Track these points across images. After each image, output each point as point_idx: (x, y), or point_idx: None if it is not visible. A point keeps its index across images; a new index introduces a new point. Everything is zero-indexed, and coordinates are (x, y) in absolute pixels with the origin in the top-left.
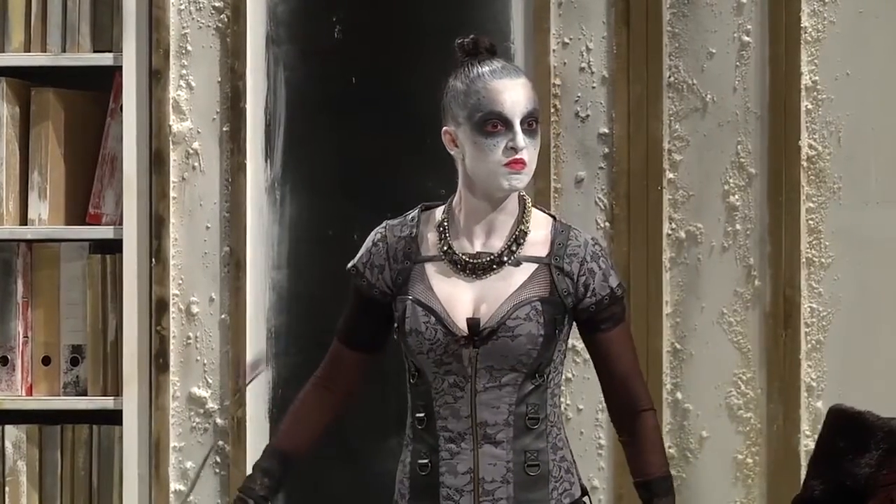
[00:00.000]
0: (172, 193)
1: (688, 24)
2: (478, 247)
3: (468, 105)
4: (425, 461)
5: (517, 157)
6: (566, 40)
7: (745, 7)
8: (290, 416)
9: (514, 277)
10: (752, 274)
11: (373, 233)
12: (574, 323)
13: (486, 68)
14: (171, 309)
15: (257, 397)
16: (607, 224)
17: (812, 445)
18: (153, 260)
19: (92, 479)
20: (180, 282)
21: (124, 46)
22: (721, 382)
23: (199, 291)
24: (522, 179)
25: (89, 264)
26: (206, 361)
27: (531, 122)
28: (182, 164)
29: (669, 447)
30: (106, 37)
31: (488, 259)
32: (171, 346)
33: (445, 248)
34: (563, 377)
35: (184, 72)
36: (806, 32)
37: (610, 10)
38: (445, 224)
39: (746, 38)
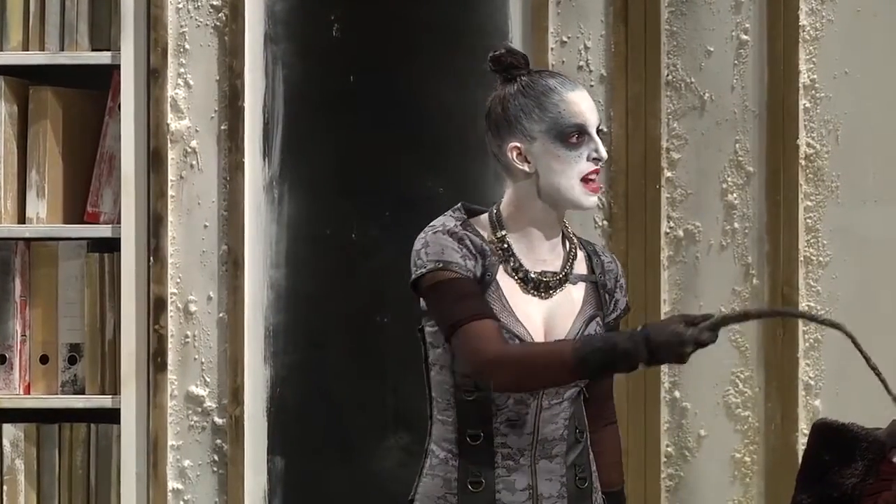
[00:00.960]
0: (170, 192)
1: (686, 23)
2: (543, 265)
3: (545, 119)
4: (478, 478)
5: (599, 167)
6: (564, 38)
7: (743, 5)
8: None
9: (575, 295)
10: (751, 272)
11: (441, 236)
12: None
13: (552, 80)
14: (170, 307)
15: (255, 396)
16: (605, 222)
17: None
18: (151, 258)
19: (90, 477)
20: (178, 280)
21: (122, 45)
22: (719, 381)
23: (197, 290)
24: (597, 196)
25: (87, 263)
26: (204, 360)
27: (600, 130)
28: (180, 163)
29: (667, 446)
30: (104, 35)
31: (556, 279)
32: (169, 345)
33: (516, 264)
34: None
35: (182, 70)
36: (804, 31)
37: (608, 9)
38: (507, 240)
39: (745, 37)
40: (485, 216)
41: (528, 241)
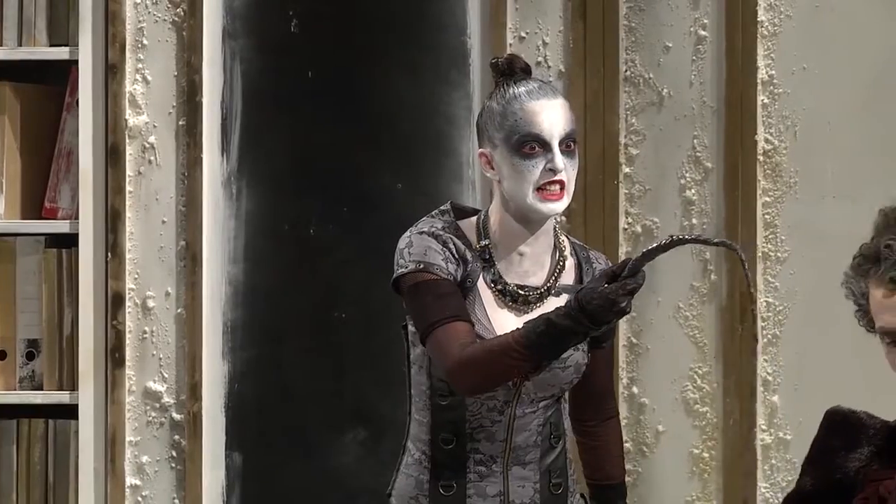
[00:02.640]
0: (128, 187)
1: (644, 18)
2: (522, 277)
3: (505, 126)
4: (449, 482)
5: (556, 178)
6: (523, 34)
7: (701, 1)
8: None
9: (556, 307)
10: (709, 268)
11: (425, 237)
12: None
13: (522, 88)
14: (127, 303)
15: (213, 392)
16: (563, 218)
17: (768, 439)
18: (109, 254)
19: (48, 473)
20: (136, 276)
21: (80, 40)
22: (677, 377)
23: (155, 286)
24: (562, 203)
25: (45, 258)
26: (162, 356)
27: (569, 143)
28: (138, 158)
29: (626, 441)
30: (62, 31)
31: (537, 293)
32: (127, 341)
33: (495, 276)
34: None
35: (140, 66)
36: (762, 26)
37: (566, 5)
38: (490, 249)
39: (703, 33)
40: (473, 219)
41: (510, 251)
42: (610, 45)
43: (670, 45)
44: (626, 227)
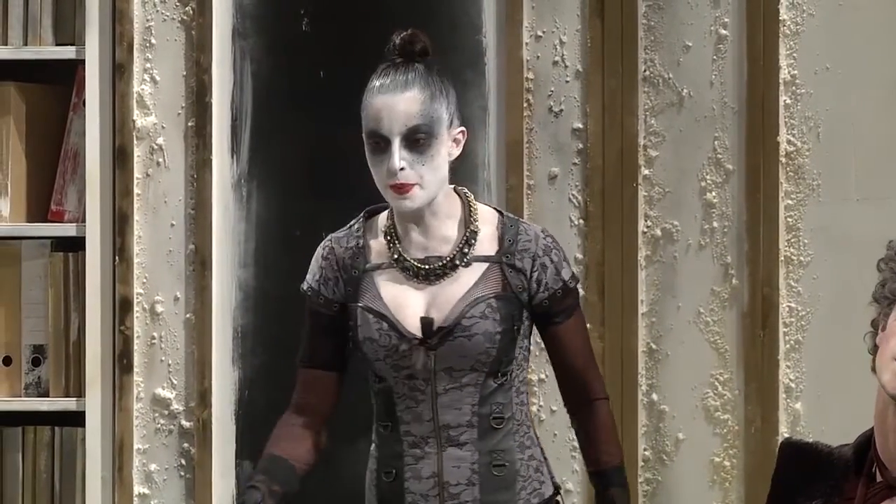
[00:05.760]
0: (136, 190)
1: (663, 17)
2: (426, 251)
3: (362, 119)
4: (390, 468)
5: (396, 180)
6: (539, 33)
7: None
8: (272, 445)
9: (466, 278)
10: (730, 273)
11: (319, 248)
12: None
13: (377, 82)
14: (135, 308)
15: (223, 399)
16: (581, 221)
17: None
18: (116, 258)
19: (54, 481)
20: (144, 280)
21: (87, 39)
22: (698, 383)
23: (163, 290)
24: (412, 199)
25: (51, 262)
26: (170, 362)
27: (418, 137)
28: (146, 160)
29: (645, 449)
30: (68, 30)
31: (440, 264)
32: (135, 347)
33: (395, 255)
34: (537, 378)
35: (148, 65)
36: (785, 25)
37: (584, 3)
38: (392, 230)
39: (724, 32)
40: (385, 212)
41: (410, 229)
42: (628, 45)
43: (690, 44)
44: (646, 230)
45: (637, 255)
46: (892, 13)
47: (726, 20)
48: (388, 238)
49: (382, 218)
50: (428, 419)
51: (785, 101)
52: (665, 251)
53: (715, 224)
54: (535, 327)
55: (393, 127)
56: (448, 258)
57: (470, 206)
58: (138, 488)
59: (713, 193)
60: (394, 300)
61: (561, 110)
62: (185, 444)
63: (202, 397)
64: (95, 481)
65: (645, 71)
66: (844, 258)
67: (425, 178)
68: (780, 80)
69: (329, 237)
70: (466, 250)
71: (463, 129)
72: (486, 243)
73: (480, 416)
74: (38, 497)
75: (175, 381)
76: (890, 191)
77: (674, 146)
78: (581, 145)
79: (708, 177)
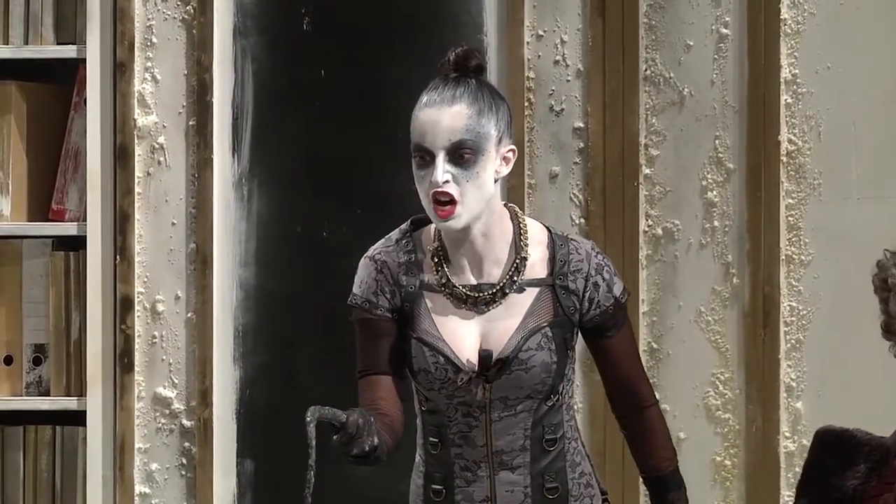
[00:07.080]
0: (137, 189)
1: (664, 16)
2: (476, 277)
3: (410, 133)
4: (440, 487)
5: (438, 189)
6: (540, 32)
7: None
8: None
9: (519, 306)
10: (731, 272)
11: (367, 262)
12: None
13: (426, 97)
14: (136, 307)
15: (224, 398)
16: (582, 220)
17: (792, 447)
18: (117, 257)
19: (55, 481)
20: (145, 279)
21: (88, 38)
22: (699, 383)
23: (164, 289)
24: (455, 220)
25: (52, 261)
26: (171, 361)
27: (462, 152)
28: (147, 159)
29: None
30: (69, 29)
31: (490, 292)
32: (136, 346)
33: (444, 280)
34: None
35: (149, 64)
36: (786, 24)
37: (585, 2)
38: (440, 253)
39: (725, 31)
40: (433, 226)
41: (461, 251)
42: (630, 44)
43: (691, 43)
44: (647, 229)
45: (638, 254)
46: (893, 13)
47: (727, 19)
48: (436, 261)
49: (429, 235)
50: (481, 444)
51: (786, 100)
52: (666, 250)
53: (716, 223)
54: (582, 338)
55: (437, 141)
56: (499, 285)
57: (520, 225)
58: (139, 487)
59: (714, 192)
60: (449, 331)
61: (562, 109)
62: (186, 444)
63: (203, 396)
64: (96, 480)
65: (646, 70)
66: (845, 257)
67: (467, 195)
68: (781, 80)
69: (377, 250)
70: (516, 277)
71: (513, 147)
72: (538, 266)
73: (533, 440)
74: (39, 496)
75: (176, 381)
76: (890, 190)
77: (675, 145)
78: (582, 144)
79: (709, 176)
